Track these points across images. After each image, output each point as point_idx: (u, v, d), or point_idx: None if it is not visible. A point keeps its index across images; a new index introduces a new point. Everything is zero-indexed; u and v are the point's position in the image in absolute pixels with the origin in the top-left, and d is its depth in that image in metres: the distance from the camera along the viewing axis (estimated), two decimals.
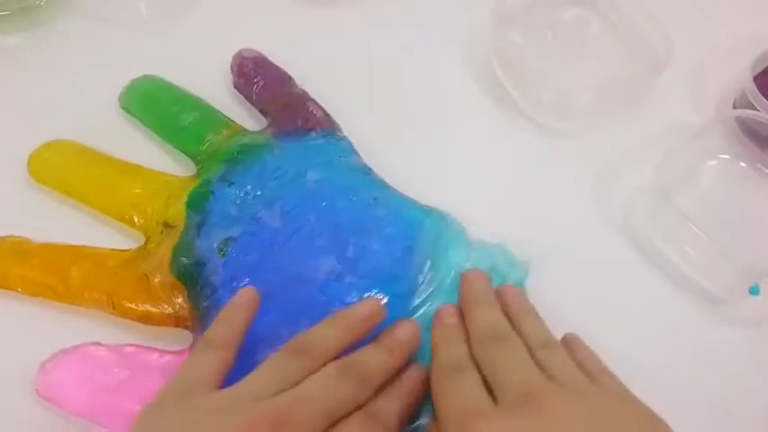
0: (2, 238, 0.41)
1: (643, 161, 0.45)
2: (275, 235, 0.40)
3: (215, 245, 0.40)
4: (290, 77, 0.48)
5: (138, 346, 0.38)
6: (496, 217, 0.45)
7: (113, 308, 0.39)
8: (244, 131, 0.46)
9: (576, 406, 0.30)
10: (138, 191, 0.43)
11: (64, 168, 0.44)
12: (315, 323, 0.35)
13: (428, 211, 0.42)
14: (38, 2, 0.51)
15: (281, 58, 0.49)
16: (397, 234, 0.40)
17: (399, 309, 0.38)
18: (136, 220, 0.42)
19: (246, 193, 0.42)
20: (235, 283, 0.38)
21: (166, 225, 0.41)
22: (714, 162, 0.48)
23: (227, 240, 0.40)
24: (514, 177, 0.47)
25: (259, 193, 0.42)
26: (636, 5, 0.50)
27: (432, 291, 0.39)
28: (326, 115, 0.46)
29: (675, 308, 0.43)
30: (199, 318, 0.38)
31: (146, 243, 0.41)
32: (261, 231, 0.40)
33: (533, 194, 0.46)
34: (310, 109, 0.46)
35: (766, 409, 0.40)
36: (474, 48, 0.52)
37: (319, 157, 0.43)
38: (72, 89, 0.48)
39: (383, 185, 0.43)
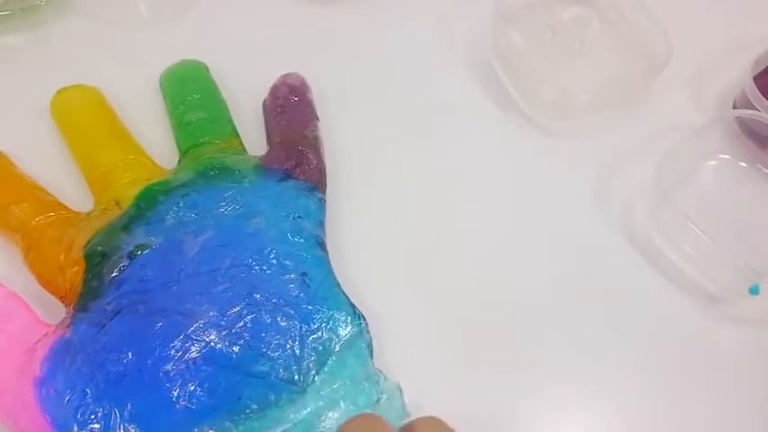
0: None
1: (643, 161, 0.45)
2: (185, 264, 0.38)
3: (132, 244, 0.39)
4: (315, 119, 0.46)
5: (20, 298, 0.38)
6: (496, 217, 0.45)
7: (25, 257, 0.39)
8: (238, 151, 0.45)
9: None
10: (116, 162, 0.43)
11: (76, 114, 0.46)
12: (168, 360, 0.35)
13: (349, 313, 0.38)
14: (38, 2, 0.50)
15: (280, 57, 0.49)
16: (300, 321, 0.37)
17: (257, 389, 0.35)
18: (99, 187, 0.42)
19: (187, 212, 0.40)
20: (123, 288, 0.37)
21: (117, 203, 0.41)
22: (714, 162, 0.48)
23: (144, 245, 0.39)
24: (514, 177, 0.47)
25: (195, 216, 0.40)
26: (636, 5, 0.50)
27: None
28: (320, 171, 0.44)
29: (675, 308, 0.43)
30: (77, 299, 0.38)
31: (91, 211, 0.41)
32: (175, 254, 0.39)
33: (533, 194, 0.46)
34: (308, 156, 0.44)
35: (766, 409, 0.40)
36: (474, 48, 0.52)
37: (280, 208, 0.41)
38: None
39: (323, 263, 0.40)
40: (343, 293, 0.39)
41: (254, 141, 0.46)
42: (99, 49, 0.51)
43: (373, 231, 0.44)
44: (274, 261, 0.39)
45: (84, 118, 0.46)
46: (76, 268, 0.38)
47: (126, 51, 0.50)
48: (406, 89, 0.50)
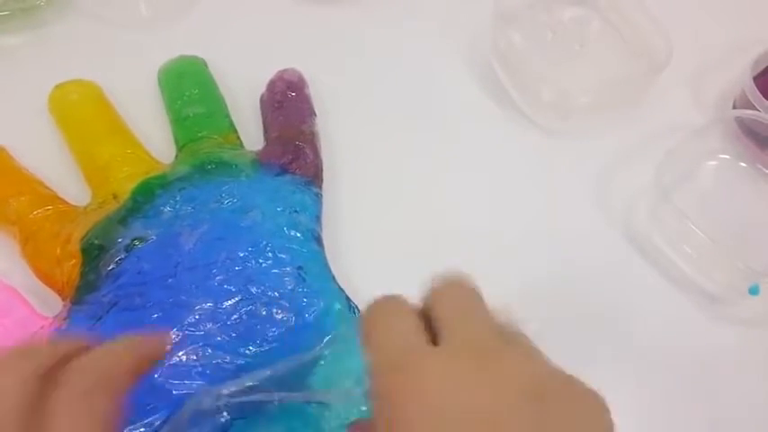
0: None
1: (643, 161, 0.45)
2: (182, 257, 0.38)
3: (129, 237, 0.39)
4: (312, 114, 0.47)
5: (16, 291, 0.39)
6: (496, 217, 0.45)
7: (22, 249, 0.40)
8: (236, 146, 0.45)
9: (525, 364, 0.27)
10: (114, 156, 0.43)
11: (74, 109, 0.46)
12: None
13: (344, 305, 0.38)
14: (38, 2, 0.51)
15: (280, 55, 0.49)
16: (295, 313, 0.37)
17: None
18: (97, 181, 0.43)
19: (184, 205, 0.40)
20: (120, 281, 0.37)
21: (114, 197, 0.41)
22: (714, 162, 0.48)
23: (141, 239, 0.39)
24: (514, 177, 0.47)
25: (191, 210, 0.40)
26: (636, 5, 0.50)
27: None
28: (317, 166, 0.44)
29: (675, 308, 0.43)
30: (74, 292, 0.38)
31: (88, 205, 0.42)
32: (172, 247, 0.39)
33: (533, 194, 0.46)
34: (305, 152, 0.44)
35: (766, 409, 0.40)
36: (474, 48, 0.52)
37: (277, 202, 0.41)
38: None
39: (318, 257, 0.40)
40: (339, 287, 0.39)
41: (252, 136, 0.46)
42: (99, 48, 0.51)
43: (370, 227, 0.44)
44: (270, 254, 0.39)
45: (82, 112, 0.46)
46: (74, 261, 0.39)
47: (126, 50, 0.51)
48: (406, 88, 0.50)
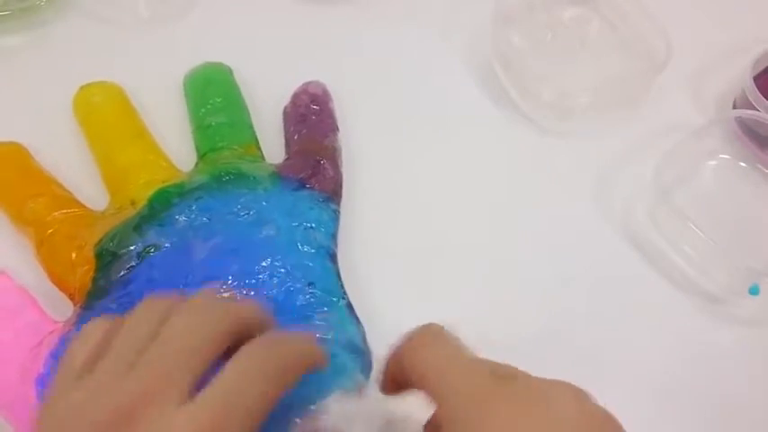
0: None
1: (643, 161, 0.45)
2: (193, 267, 0.38)
3: (141, 245, 0.39)
4: (335, 129, 0.46)
5: (29, 294, 0.39)
6: (496, 217, 0.45)
7: (37, 251, 0.40)
8: (256, 158, 0.45)
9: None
10: (134, 161, 0.43)
11: (97, 111, 0.46)
12: None
13: (352, 323, 0.38)
14: (38, 2, 0.51)
15: (280, 57, 0.49)
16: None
17: None
18: (116, 186, 0.43)
19: (199, 215, 0.40)
20: (130, 287, 0.37)
21: (132, 203, 0.41)
22: (714, 162, 0.48)
23: (154, 246, 0.39)
24: (514, 178, 0.47)
25: (206, 220, 0.40)
26: (636, 5, 0.50)
27: None
28: (336, 183, 0.44)
29: (675, 308, 0.43)
30: (85, 297, 0.38)
31: (106, 209, 0.42)
32: (183, 256, 0.38)
33: (533, 195, 0.46)
34: (325, 167, 0.44)
35: (766, 409, 0.40)
36: (474, 48, 0.52)
37: (293, 217, 0.41)
38: (72, 89, 0.47)
39: (330, 274, 0.40)
40: (349, 305, 0.39)
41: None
42: (99, 49, 0.51)
43: (376, 233, 0.44)
44: (282, 270, 0.38)
45: (104, 115, 0.46)
46: (87, 267, 0.38)
47: (126, 52, 0.51)
48: (406, 89, 0.50)
